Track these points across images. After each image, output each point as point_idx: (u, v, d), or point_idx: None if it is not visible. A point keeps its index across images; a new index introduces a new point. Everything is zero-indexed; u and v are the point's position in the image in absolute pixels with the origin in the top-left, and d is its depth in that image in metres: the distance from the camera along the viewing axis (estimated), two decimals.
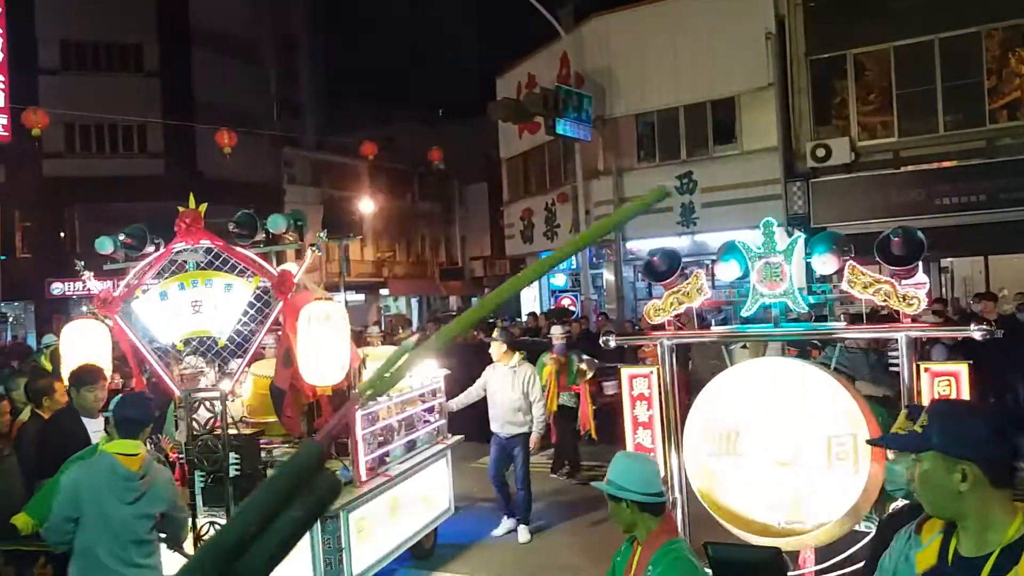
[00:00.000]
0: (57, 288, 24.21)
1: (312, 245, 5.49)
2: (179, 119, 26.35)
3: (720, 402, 4.39)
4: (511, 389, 7.59)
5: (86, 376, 5.04)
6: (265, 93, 32.21)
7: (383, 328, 22.03)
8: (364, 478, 5.85)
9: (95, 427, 5.04)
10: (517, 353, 7.91)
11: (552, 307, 21.52)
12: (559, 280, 23.47)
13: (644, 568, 2.98)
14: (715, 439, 4.35)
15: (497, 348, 7.78)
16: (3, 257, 25.23)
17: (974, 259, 16.39)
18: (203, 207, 5.57)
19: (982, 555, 1.86)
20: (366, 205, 34.07)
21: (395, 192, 38.85)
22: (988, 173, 14.83)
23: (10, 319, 25.34)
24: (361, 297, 36.90)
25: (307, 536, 5.14)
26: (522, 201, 23.92)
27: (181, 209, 5.53)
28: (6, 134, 22.56)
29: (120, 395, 4.69)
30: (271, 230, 5.51)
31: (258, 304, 5.49)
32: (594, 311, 19.24)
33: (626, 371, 4.90)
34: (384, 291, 38.63)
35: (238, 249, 5.48)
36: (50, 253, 24.67)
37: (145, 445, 4.13)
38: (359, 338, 10.10)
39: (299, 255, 6.16)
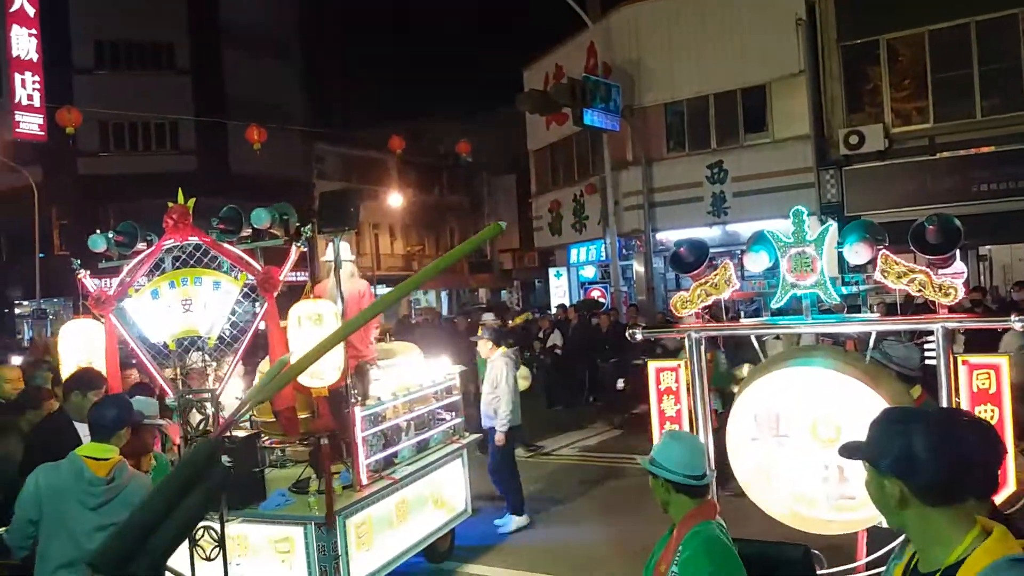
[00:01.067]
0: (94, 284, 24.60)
1: (296, 241, 5.30)
2: (210, 116, 26.64)
3: (762, 392, 4.32)
4: (487, 382, 7.96)
5: (91, 381, 4.92)
6: (295, 89, 32.43)
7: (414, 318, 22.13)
8: (365, 482, 5.63)
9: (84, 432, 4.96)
10: (500, 347, 8.11)
11: (582, 299, 21.44)
12: (588, 272, 23.37)
13: (675, 551, 2.94)
14: (758, 425, 4.28)
15: (483, 345, 8.22)
16: (42, 255, 25.70)
17: (1014, 247, 16.05)
18: (191, 202, 5.39)
19: (929, 573, 1.75)
20: (395, 199, 34.21)
21: (423, 186, 38.97)
22: None
23: (50, 315, 25.83)
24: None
25: (301, 544, 5.14)
26: (550, 193, 23.83)
27: (170, 204, 5.37)
28: (42, 134, 22.95)
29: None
30: (254, 224, 5.30)
31: (244, 302, 5.34)
32: (624, 303, 19.13)
33: (653, 364, 4.82)
34: None
35: (225, 245, 5.32)
36: (87, 250, 25.07)
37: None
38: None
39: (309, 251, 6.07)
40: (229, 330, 5.38)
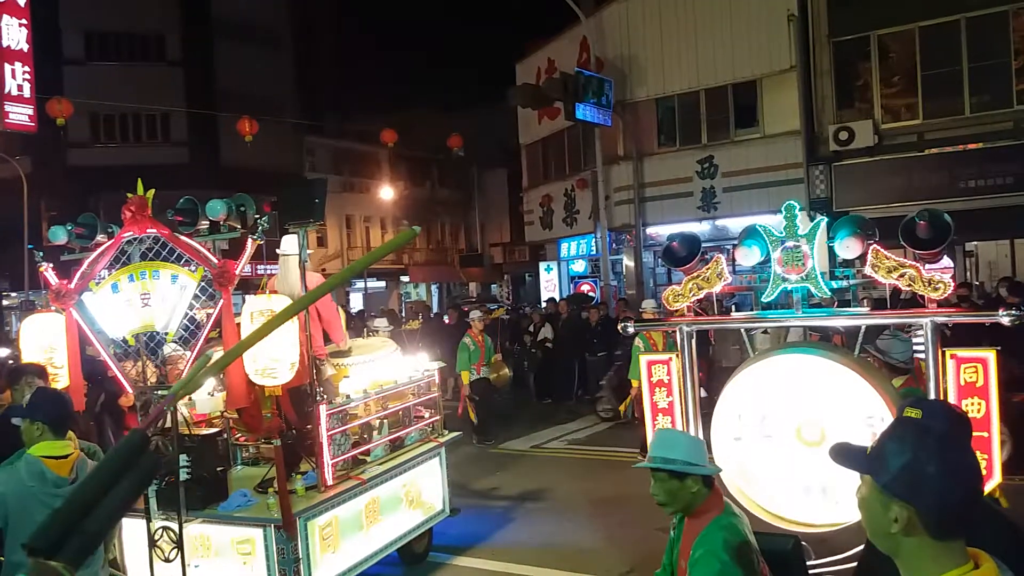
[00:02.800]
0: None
1: (252, 234, 5.12)
2: (201, 108, 26.51)
3: (747, 389, 4.36)
4: None
5: (31, 370, 4.87)
6: (286, 81, 32.31)
7: (404, 315, 22.12)
8: (331, 482, 5.43)
9: None
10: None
11: (571, 293, 21.47)
12: (579, 266, 23.42)
13: (691, 547, 2.94)
14: (742, 423, 4.33)
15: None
16: (31, 247, 25.53)
17: (1000, 243, 16.16)
18: (151, 193, 5.28)
19: None
20: (386, 192, 34.15)
21: (415, 179, 38.91)
22: (1015, 155, 14.57)
23: (38, 307, 25.65)
24: (382, 284, 37.07)
25: (261, 547, 5.01)
26: (541, 187, 23.85)
27: (129, 195, 5.26)
28: (32, 124, 22.77)
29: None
30: (209, 216, 5.13)
31: (203, 296, 5.24)
32: (613, 297, 19.18)
33: (644, 357, 4.87)
34: (404, 278, 38.75)
35: (182, 238, 5.18)
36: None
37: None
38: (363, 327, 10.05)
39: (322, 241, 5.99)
40: (187, 325, 5.23)
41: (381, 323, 9.94)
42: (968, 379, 3.93)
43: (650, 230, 19.50)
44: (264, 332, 1.79)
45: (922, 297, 4.12)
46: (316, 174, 32.18)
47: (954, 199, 14.28)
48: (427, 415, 6.94)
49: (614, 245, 20.20)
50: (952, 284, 4.16)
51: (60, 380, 5.44)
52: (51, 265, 5.60)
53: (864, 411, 4.01)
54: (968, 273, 16.08)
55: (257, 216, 5.23)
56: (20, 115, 22.44)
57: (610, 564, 6.40)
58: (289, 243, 5.74)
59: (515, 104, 21.23)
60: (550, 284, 23.70)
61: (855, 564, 4.04)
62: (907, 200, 13.98)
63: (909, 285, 4.10)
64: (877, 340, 5.04)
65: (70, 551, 1.47)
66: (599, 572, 6.03)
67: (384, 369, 6.61)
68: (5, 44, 22.64)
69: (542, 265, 24.66)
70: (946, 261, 4.47)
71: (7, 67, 22.50)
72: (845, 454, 1.70)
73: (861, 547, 4.21)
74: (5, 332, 24.58)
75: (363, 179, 36.63)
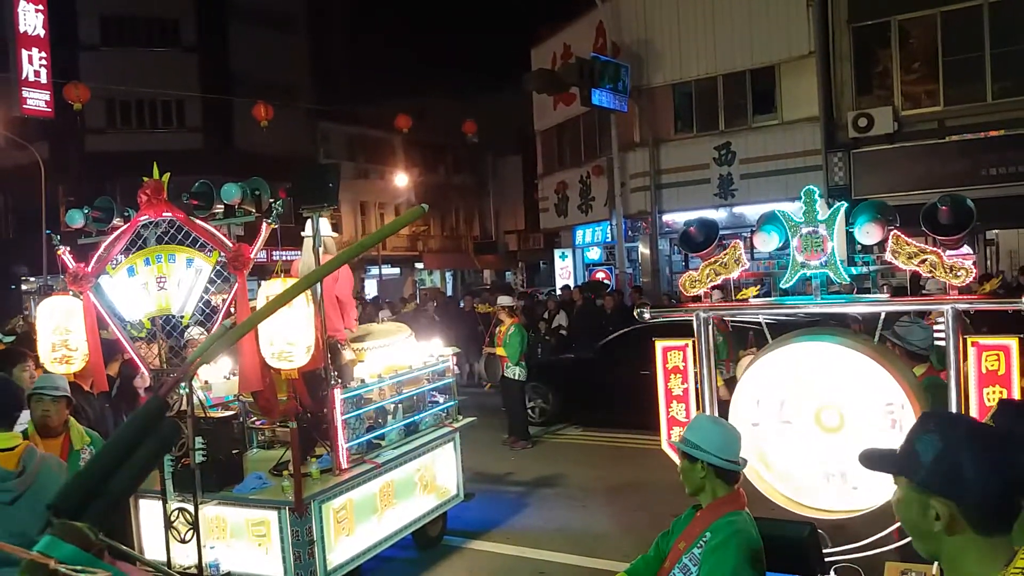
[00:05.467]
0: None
1: (266, 219, 5.10)
2: (216, 94, 26.56)
3: (765, 375, 4.32)
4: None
5: (15, 357, 4.88)
6: (301, 67, 32.30)
7: (419, 301, 22.16)
8: (345, 465, 5.47)
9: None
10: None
11: (586, 280, 21.43)
12: (594, 254, 23.35)
13: (701, 533, 2.93)
14: (761, 409, 4.30)
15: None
16: (49, 232, 25.73)
17: (1021, 231, 15.97)
18: (166, 177, 5.26)
19: None
20: (400, 179, 34.15)
21: (429, 166, 38.86)
22: None
23: (56, 291, 25.85)
24: (396, 271, 37.14)
25: (276, 529, 5.04)
26: (557, 174, 23.76)
27: (145, 179, 5.25)
28: (49, 110, 22.89)
29: None
30: (224, 200, 5.10)
31: (218, 280, 5.21)
32: (629, 284, 19.12)
33: (660, 343, 4.83)
34: (419, 265, 38.80)
35: (197, 222, 5.17)
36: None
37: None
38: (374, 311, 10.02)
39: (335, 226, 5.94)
40: (203, 308, 5.23)
41: (385, 314, 10.03)
42: (990, 367, 3.87)
43: (666, 217, 19.39)
44: (275, 307, 1.84)
45: (943, 283, 4.06)
46: (330, 160, 32.23)
47: (975, 187, 14.10)
48: (442, 400, 6.97)
49: (629, 232, 20.11)
50: (974, 271, 4.09)
51: (75, 363, 5.49)
52: (68, 249, 5.64)
53: (884, 398, 3.96)
54: (989, 262, 15.91)
55: (272, 200, 5.21)
56: (37, 100, 22.58)
57: (625, 549, 6.38)
58: (323, 226, 5.74)
59: (530, 90, 21.12)
60: (565, 271, 23.66)
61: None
62: (927, 188, 13.80)
63: (930, 271, 4.04)
64: (895, 326, 4.99)
65: (93, 513, 1.53)
66: (614, 557, 6.01)
67: (399, 354, 6.64)
68: (22, 30, 22.75)
69: (557, 252, 24.60)
70: (966, 249, 4.41)
71: (24, 53, 22.62)
72: (874, 458, 1.64)
73: (878, 535, 4.19)
74: (25, 315, 24.86)
75: (377, 166, 36.62)
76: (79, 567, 1.43)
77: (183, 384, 4.91)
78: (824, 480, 4.15)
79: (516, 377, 10.46)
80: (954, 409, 3.93)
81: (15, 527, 3.06)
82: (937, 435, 1.53)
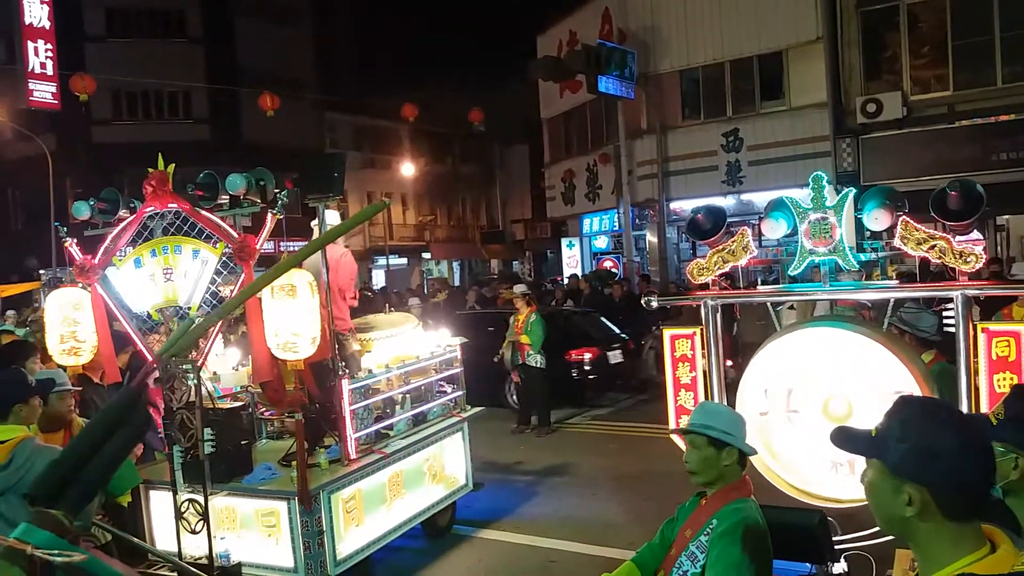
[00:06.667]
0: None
1: (272, 209, 5.09)
2: (223, 84, 26.55)
3: (773, 363, 4.31)
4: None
5: (25, 351, 4.87)
6: (306, 58, 32.26)
7: (427, 291, 22.19)
8: (353, 456, 5.47)
9: None
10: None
11: (594, 269, 21.40)
12: (601, 242, 23.30)
13: (707, 520, 2.91)
14: (768, 398, 4.29)
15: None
16: (57, 223, 25.80)
17: None
18: (171, 168, 5.26)
19: None
20: (407, 168, 34.14)
21: (435, 155, 38.82)
22: None
23: (65, 283, 25.96)
24: (404, 261, 37.17)
25: (285, 519, 5.06)
26: (563, 162, 23.70)
27: (150, 171, 5.25)
28: (55, 102, 22.94)
29: None
30: (229, 191, 5.08)
31: (225, 272, 5.23)
32: (636, 273, 19.08)
33: (668, 332, 4.82)
34: (426, 255, 38.82)
35: (203, 213, 5.18)
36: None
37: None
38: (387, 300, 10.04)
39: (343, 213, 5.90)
40: (209, 299, 5.23)
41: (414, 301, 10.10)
42: (1000, 353, 3.85)
43: (674, 205, 19.34)
44: (240, 301, 1.97)
45: (952, 270, 4.04)
46: (337, 150, 32.21)
47: (986, 172, 14.00)
48: (450, 390, 6.97)
49: (637, 220, 20.06)
50: (984, 256, 4.06)
51: (83, 354, 5.51)
52: (75, 240, 5.64)
53: (892, 386, 3.95)
54: (999, 248, 15.81)
55: (277, 191, 5.21)
56: (44, 92, 22.63)
57: (633, 538, 6.39)
58: (331, 218, 5.75)
59: (536, 77, 21.06)
60: (572, 260, 23.63)
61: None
62: (937, 173, 13.71)
63: (940, 257, 4.01)
64: (902, 312, 4.96)
65: (69, 500, 1.58)
66: (622, 546, 6.02)
67: (407, 344, 6.64)
68: (28, 22, 22.79)
69: (564, 241, 24.57)
70: (975, 235, 4.38)
71: (30, 45, 22.68)
72: (847, 438, 1.62)
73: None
74: (34, 307, 24.99)
75: (384, 155, 36.60)
76: (55, 551, 1.50)
77: (191, 376, 4.94)
78: (831, 470, 4.14)
79: (537, 365, 10.42)
80: (964, 395, 3.92)
81: (1, 519, 3.08)
82: (913, 419, 1.51)
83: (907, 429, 1.50)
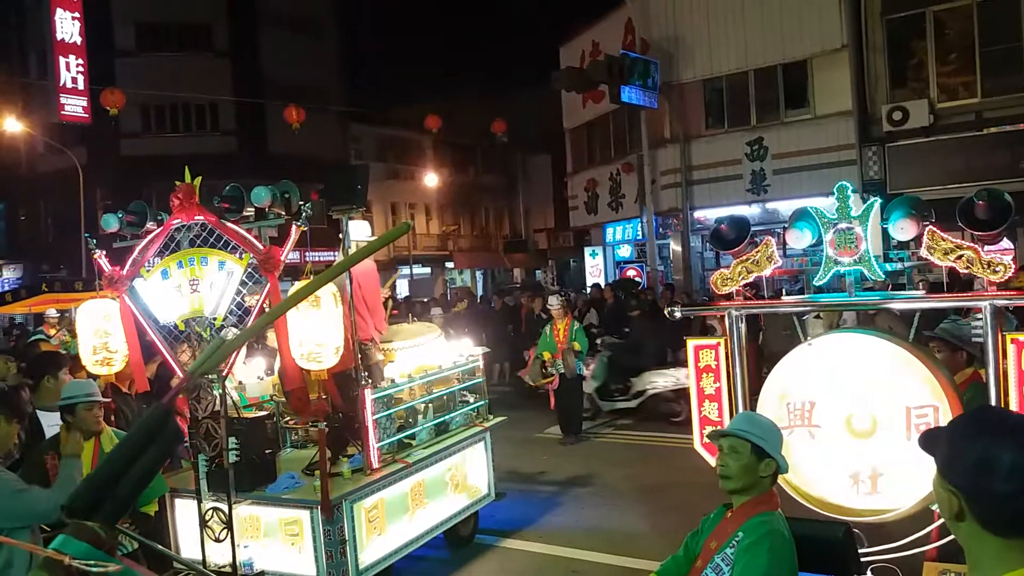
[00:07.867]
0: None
1: (296, 221, 5.11)
2: (249, 97, 26.86)
3: (795, 375, 4.27)
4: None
5: (57, 362, 4.98)
6: (331, 70, 32.56)
7: (450, 300, 22.25)
8: (376, 465, 5.50)
9: (52, 420, 4.92)
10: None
11: (617, 278, 21.35)
12: (624, 251, 23.25)
13: (733, 532, 2.89)
14: (789, 412, 4.25)
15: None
16: (87, 235, 26.17)
17: None
18: (197, 181, 5.31)
19: None
20: (430, 179, 34.30)
21: (459, 165, 38.98)
22: None
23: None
24: (427, 270, 37.32)
25: (308, 528, 5.10)
26: (586, 172, 23.70)
27: (177, 183, 5.29)
28: (86, 116, 23.32)
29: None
30: (254, 203, 5.10)
31: (250, 283, 5.26)
32: (660, 282, 19.01)
33: (692, 342, 4.80)
34: (449, 264, 38.94)
35: (229, 225, 5.18)
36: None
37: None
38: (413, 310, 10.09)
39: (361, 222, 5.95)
40: (235, 310, 5.27)
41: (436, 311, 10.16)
42: None
43: (697, 214, 19.25)
44: (275, 315, 2.03)
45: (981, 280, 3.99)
46: (361, 162, 32.44)
47: (1015, 179, 13.80)
48: (472, 400, 6.98)
49: (660, 230, 20.00)
50: (1013, 266, 4.01)
51: (115, 364, 5.58)
52: (104, 252, 5.73)
53: (918, 399, 3.90)
54: None
55: (301, 203, 5.25)
56: (75, 107, 23.03)
57: (659, 549, 6.34)
58: (357, 229, 5.80)
59: (559, 88, 21.08)
60: (595, 269, 23.59)
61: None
62: (965, 181, 13.53)
63: (967, 267, 3.96)
64: (946, 326, 4.86)
65: (104, 513, 1.64)
66: (647, 557, 5.99)
67: (429, 354, 6.66)
68: (59, 37, 23.22)
69: (587, 250, 24.54)
70: (1006, 243, 4.33)
71: (61, 60, 23.09)
72: (926, 438, 1.62)
73: (916, 535, 4.12)
74: (65, 317, 25.40)
75: (408, 166, 36.82)
76: (91, 562, 1.56)
77: (216, 385, 5.00)
78: (852, 482, 4.09)
79: (579, 372, 10.72)
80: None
81: None
82: (961, 421, 1.53)
83: (952, 431, 1.52)
